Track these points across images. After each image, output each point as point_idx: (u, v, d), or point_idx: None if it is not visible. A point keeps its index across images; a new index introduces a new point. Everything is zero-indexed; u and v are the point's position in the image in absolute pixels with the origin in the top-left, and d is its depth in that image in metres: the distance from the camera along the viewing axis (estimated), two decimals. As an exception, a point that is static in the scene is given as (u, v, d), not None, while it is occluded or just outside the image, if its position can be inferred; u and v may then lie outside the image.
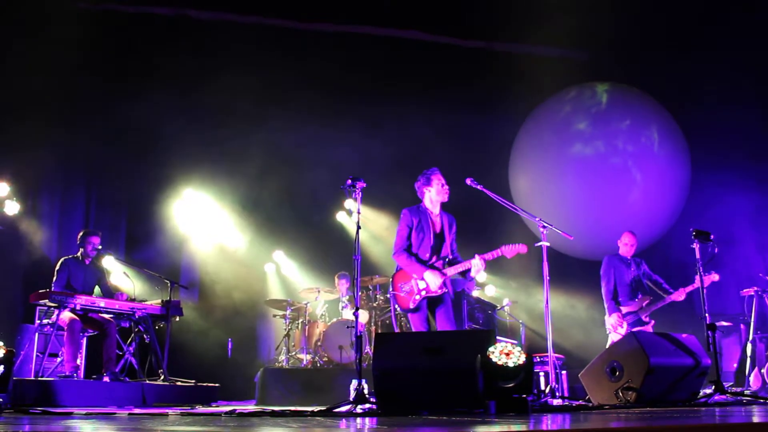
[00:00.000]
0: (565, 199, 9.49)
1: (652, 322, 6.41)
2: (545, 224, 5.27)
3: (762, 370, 6.81)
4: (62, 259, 6.55)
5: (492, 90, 9.67)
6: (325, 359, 7.95)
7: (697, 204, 9.31)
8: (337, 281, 8.72)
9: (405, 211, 5.23)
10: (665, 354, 5.02)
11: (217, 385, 6.86)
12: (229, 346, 9.03)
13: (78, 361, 6.16)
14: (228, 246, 9.66)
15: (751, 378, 6.91)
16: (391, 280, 5.28)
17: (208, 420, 3.74)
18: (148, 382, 6.23)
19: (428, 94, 9.46)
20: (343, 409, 4.33)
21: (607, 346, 6.36)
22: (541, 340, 8.02)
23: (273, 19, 9.58)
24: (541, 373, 6.71)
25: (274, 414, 4.14)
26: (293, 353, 8.21)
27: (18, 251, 7.91)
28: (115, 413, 4.28)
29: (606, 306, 6.49)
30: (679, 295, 6.27)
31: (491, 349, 3.84)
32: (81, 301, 6.09)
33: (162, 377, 6.43)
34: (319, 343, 8.03)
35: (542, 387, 6.54)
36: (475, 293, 9.01)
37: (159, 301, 6.71)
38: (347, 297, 8.46)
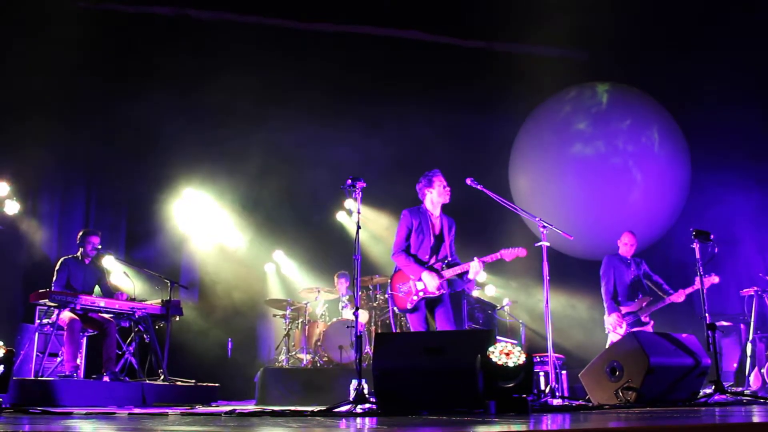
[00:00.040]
0: (565, 199, 9.49)
1: (652, 322, 6.41)
2: (545, 224, 5.27)
3: (762, 370, 6.81)
4: (62, 259, 6.55)
5: (492, 90, 9.67)
6: (325, 359, 7.95)
7: (697, 204, 9.31)
8: (336, 280, 8.72)
9: (405, 212, 5.23)
10: (665, 354, 5.02)
11: (217, 385, 6.86)
12: (229, 346, 9.03)
13: (78, 361, 6.16)
14: (228, 246, 9.66)
15: (751, 378, 6.91)
16: (389, 280, 5.29)
17: (208, 420, 3.74)
18: (148, 381, 6.23)
19: (428, 94, 9.46)
20: (343, 409, 4.33)
21: (606, 346, 6.37)
22: (541, 340, 8.02)
23: (273, 19, 9.59)
24: (541, 373, 6.71)
25: (274, 414, 4.14)
26: (293, 353, 8.21)
27: (18, 251, 7.92)
28: (115, 413, 4.27)
29: (605, 306, 6.49)
30: (679, 297, 6.27)
31: (491, 349, 3.84)
32: (82, 301, 6.09)
33: (162, 377, 6.43)
34: (319, 343, 8.03)
35: (542, 387, 6.54)
36: (475, 293, 9.01)
37: (159, 300, 6.71)
38: (347, 297, 8.46)
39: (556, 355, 6.24)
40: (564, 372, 7.15)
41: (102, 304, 6.28)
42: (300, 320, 8.34)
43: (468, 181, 5.31)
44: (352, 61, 9.39)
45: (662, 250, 9.54)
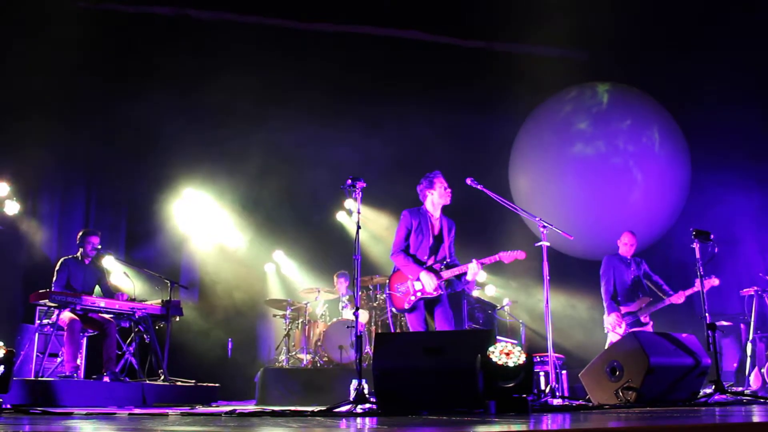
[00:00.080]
0: (565, 199, 9.49)
1: (651, 323, 6.41)
2: (545, 224, 5.27)
3: (762, 370, 6.81)
4: (62, 259, 6.54)
5: (492, 90, 9.67)
6: (325, 359, 7.95)
7: (697, 204, 9.31)
8: (336, 280, 8.73)
9: (405, 213, 5.24)
10: (665, 354, 5.02)
11: (217, 385, 6.86)
12: (229, 346, 9.03)
13: (78, 361, 6.16)
14: (228, 246, 9.66)
15: (751, 378, 6.91)
16: (387, 280, 5.30)
17: (208, 420, 3.74)
18: (148, 382, 6.23)
19: (428, 94, 9.46)
20: (343, 409, 4.33)
21: (605, 346, 6.37)
22: (541, 340, 8.02)
23: (273, 19, 9.59)
24: (541, 373, 6.72)
25: (274, 414, 4.14)
26: (293, 353, 8.21)
27: (18, 251, 7.91)
28: (115, 413, 4.28)
29: (605, 305, 6.49)
30: (679, 298, 6.27)
31: (491, 349, 3.84)
32: (82, 302, 6.09)
33: (162, 377, 6.43)
34: (319, 343, 8.03)
35: (542, 387, 6.55)
36: (475, 293, 9.01)
37: (159, 301, 6.71)
38: (347, 297, 8.46)
39: (556, 355, 6.24)
40: (564, 372, 7.15)
41: (102, 304, 6.28)
42: (300, 320, 8.34)
43: (468, 181, 5.32)
44: (352, 61, 9.39)
45: (662, 250, 9.54)
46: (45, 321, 6.55)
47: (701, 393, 5.19)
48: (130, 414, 4.20)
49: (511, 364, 3.78)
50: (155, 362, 6.56)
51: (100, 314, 6.32)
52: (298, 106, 9.20)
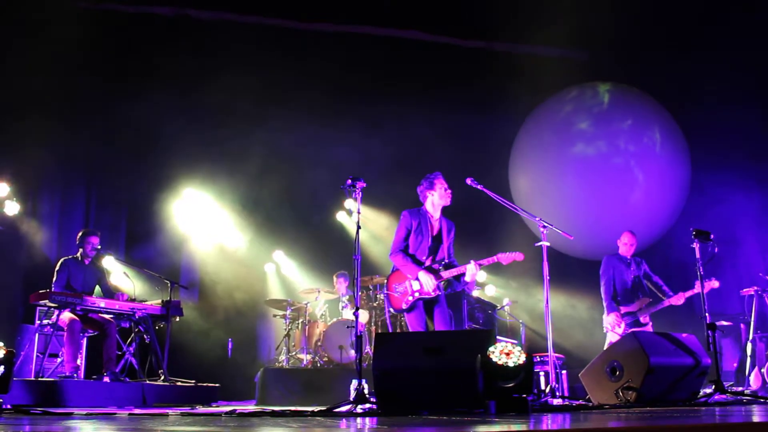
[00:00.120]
0: (565, 199, 9.49)
1: (650, 323, 6.41)
2: (545, 224, 5.27)
3: (762, 370, 6.81)
4: (62, 260, 6.54)
5: (492, 90, 9.66)
6: (325, 359, 7.95)
7: (697, 204, 9.31)
8: (335, 280, 8.73)
9: (405, 213, 5.25)
10: (665, 354, 5.02)
11: (217, 385, 6.86)
12: (229, 346, 9.03)
13: (78, 362, 6.15)
14: (228, 246, 9.66)
15: (751, 378, 6.91)
16: (385, 280, 5.30)
17: (208, 420, 3.74)
18: (148, 382, 6.23)
19: (428, 94, 9.46)
20: (343, 409, 4.33)
21: (604, 346, 6.38)
22: (541, 340, 8.02)
23: (273, 19, 9.58)
24: (541, 373, 6.72)
25: (274, 414, 4.14)
26: (293, 353, 8.21)
27: (18, 251, 7.91)
28: (115, 413, 4.28)
29: (605, 305, 6.50)
30: (678, 300, 6.27)
31: (491, 349, 3.84)
32: (83, 302, 6.09)
33: (162, 377, 6.43)
34: (319, 343, 8.03)
35: (542, 387, 6.55)
36: (475, 293, 9.01)
37: (159, 301, 6.71)
38: (347, 297, 8.46)
39: (556, 355, 6.24)
40: (564, 372, 7.15)
41: (102, 304, 6.28)
42: (300, 320, 8.34)
43: (468, 181, 5.32)
44: (352, 61, 9.38)
45: (662, 250, 9.54)
46: (45, 321, 6.55)
47: (701, 393, 5.19)
48: (130, 414, 4.20)
49: (511, 364, 3.78)
50: (155, 362, 6.56)
51: (100, 314, 6.32)
52: (298, 106, 9.20)
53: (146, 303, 6.64)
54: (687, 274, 7.16)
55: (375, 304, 8.34)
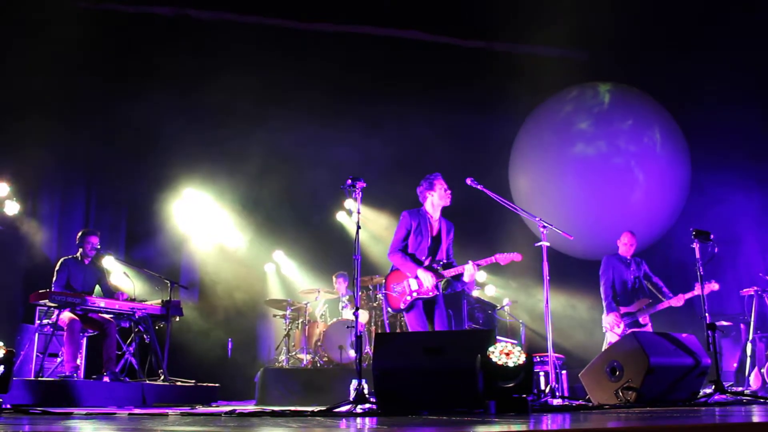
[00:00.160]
0: (565, 199, 9.49)
1: (649, 324, 6.41)
2: (545, 224, 5.27)
3: (762, 370, 6.81)
4: (62, 260, 6.54)
5: (492, 90, 9.66)
6: (325, 359, 7.95)
7: (697, 204, 9.31)
8: (335, 281, 8.73)
9: (405, 214, 5.25)
10: (665, 354, 5.02)
11: (217, 385, 6.86)
12: (229, 346, 9.03)
13: (78, 361, 6.16)
14: (228, 246, 9.66)
15: (751, 378, 6.91)
16: (384, 280, 5.30)
17: (208, 420, 3.74)
18: (148, 382, 6.23)
19: (428, 94, 9.46)
20: (343, 409, 4.33)
21: (603, 345, 6.38)
22: (541, 340, 8.02)
23: (273, 19, 9.59)
24: (541, 373, 6.72)
25: (274, 414, 4.14)
26: (293, 353, 8.21)
27: (18, 251, 7.91)
28: (115, 413, 4.28)
29: (604, 305, 6.50)
30: (678, 301, 6.27)
31: (491, 349, 3.84)
32: (84, 302, 6.09)
33: (162, 377, 6.43)
34: (319, 343, 8.03)
35: (542, 387, 6.55)
36: (475, 293, 9.01)
37: (159, 301, 6.71)
38: (347, 297, 8.46)
39: (556, 355, 6.24)
40: (564, 372, 7.15)
41: (102, 304, 6.27)
42: (300, 320, 8.35)
43: (468, 181, 5.32)
44: (352, 61, 9.38)
45: (662, 250, 9.54)
46: (45, 321, 6.55)
47: (701, 393, 5.19)
48: (130, 414, 4.20)
49: (511, 364, 3.78)
50: (155, 362, 6.56)
51: (100, 314, 6.32)
52: (298, 106, 9.20)
53: (146, 303, 6.64)
54: (687, 274, 7.16)
55: (375, 305, 8.35)
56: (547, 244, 5.21)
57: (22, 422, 3.46)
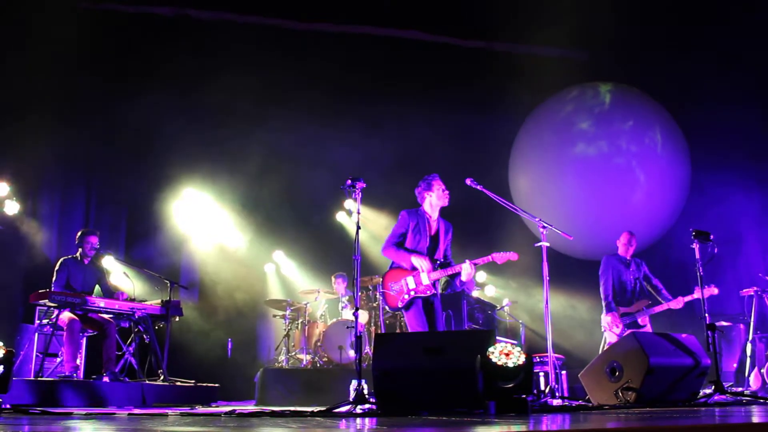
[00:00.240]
0: (565, 199, 9.49)
1: (649, 324, 6.41)
2: (545, 224, 5.27)
3: (762, 370, 6.81)
4: (61, 260, 6.54)
5: (492, 90, 9.67)
6: (325, 359, 7.95)
7: (697, 204, 9.31)
8: (333, 281, 8.73)
9: (403, 213, 5.25)
10: (665, 354, 5.02)
11: (216, 385, 6.86)
12: (229, 347, 9.03)
13: (78, 362, 6.16)
14: (228, 246, 9.66)
15: (751, 378, 6.91)
16: (381, 278, 5.30)
17: (207, 420, 3.74)
18: (147, 382, 6.23)
19: (428, 94, 9.45)
20: (343, 409, 4.33)
21: (602, 345, 6.39)
22: (541, 341, 8.02)
23: (273, 19, 9.59)
24: (541, 373, 6.71)
25: (273, 414, 4.14)
26: (293, 353, 8.21)
27: (18, 251, 7.91)
28: (114, 413, 4.28)
29: (603, 305, 6.50)
30: (677, 304, 6.27)
31: (491, 349, 3.84)
32: (83, 302, 6.09)
33: (162, 377, 6.43)
34: (318, 344, 8.03)
35: (542, 387, 6.55)
36: (475, 293, 9.01)
37: (159, 301, 6.70)
38: (347, 297, 8.46)
39: (556, 355, 6.24)
40: (564, 372, 7.15)
41: (102, 304, 6.27)
42: (300, 320, 8.34)
43: (468, 182, 5.31)
44: (352, 61, 9.38)
45: (662, 250, 9.54)
46: (45, 321, 6.55)
47: (701, 393, 5.19)
48: (129, 414, 4.20)
49: (510, 365, 3.78)
50: (155, 362, 6.56)
51: (99, 314, 6.32)
52: (298, 106, 9.20)
53: (146, 303, 6.63)
54: (687, 274, 7.16)
55: (374, 305, 8.34)
56: (547, 244, 5.21)
57: (22, 422, 3.46)
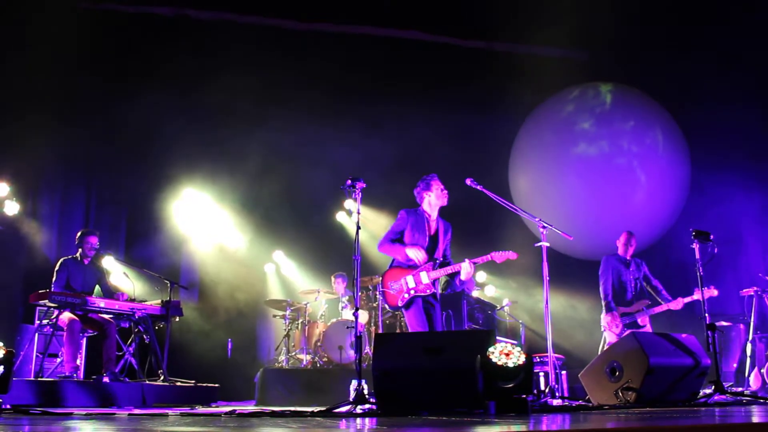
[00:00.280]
0: (565, 199, 9.49)
1: (648, 324, 6.41)
2: (545, 224, 5.27)
3: (762, 370, 6.81)
4: (61, 260, 6.54)
5: (492, 90, 9.66)
6: (325, 359, 7.95)
7: (697, 204, 9.31)
8: (333, 281, 8.73)
9: (402, 212, 5.25)
10: (665, 354, 5.02)
11: (216, 385, 6.86)
12: (229, 347, 9.03)
13: (78, 362, 6.15)
14: (228, 246, 9.66)
15: (751, 378, 6.91)
16: (380, 278, 5.30)
17: (207, 420, 3.74)
18: (147, 382, 6.23)
19: (428, 94, 9.45)
20: (343, 409, 4.33)
21: (602, 345, 6.39)
22: (541, 341, 8.02)
23: (273, 19, 9.59)
24: (541, 373, 6.72)
25: (273, 414, 4.14)
26: (293, 353, 8.21)
27: (18, 252, 7.91)
28: (115, 414, 4.28)
29: (603, 305, 6.50)
30: (677, 305, 6.27)
31: (491, 349, 3.84)
32: (84, 303, 6.09)
33: (162, 377, 6.43)
34: (318, 344, 8.03)
35: (542, 387, 6.55)
36: (475, 293, 9.01)
37: (159, 301, 6.70)
38: (347, 297, 8.46)
39: (556, 355, 6.24)
40: (564, 372, 7.15)
41: (102, 304, 6.27)
42: (300, 321, 8.35)
43: (468, 182, 5.31)
44: (352, 61, 9.38)
45: (662, 250, 9.54)
46: (45, 321, 6.54)
47: (701, 393, 5.19)
48: (129, 414, 4.20)
49: (510, 365, 3.78)
50: (155, 362, 6.56)
51: (99, 314, 6.32)
52: (298, 106, 9.21)
53: (146, 303, 6.64)
54: (687, 274, 7.16)
55: (374, 305, 8.34)
56: (547, 244, 5.21)
57: (22, 422, 3.46)
